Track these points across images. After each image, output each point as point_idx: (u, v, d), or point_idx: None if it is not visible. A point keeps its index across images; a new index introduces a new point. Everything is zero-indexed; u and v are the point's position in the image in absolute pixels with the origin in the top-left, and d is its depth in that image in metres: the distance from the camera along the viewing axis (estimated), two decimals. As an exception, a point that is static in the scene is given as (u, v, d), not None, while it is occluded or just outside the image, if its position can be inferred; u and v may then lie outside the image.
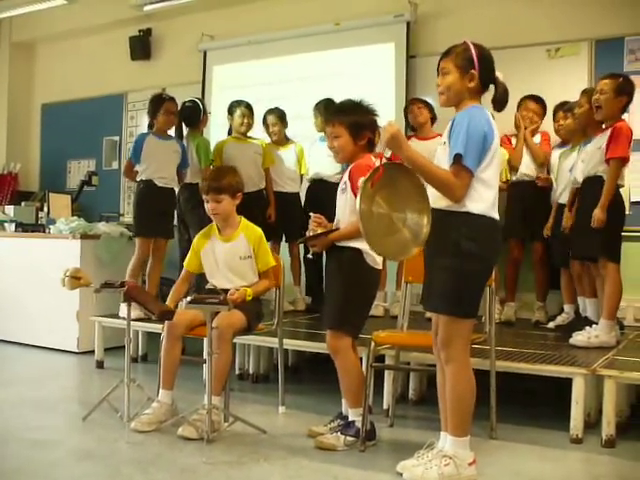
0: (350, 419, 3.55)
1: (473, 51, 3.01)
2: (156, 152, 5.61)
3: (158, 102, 5.70)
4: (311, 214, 3.68)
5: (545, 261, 5.51)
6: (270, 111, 6.18)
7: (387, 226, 2.98)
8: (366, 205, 2.89)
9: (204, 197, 4.03)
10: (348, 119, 3.52)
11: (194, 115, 6.00)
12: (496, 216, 3.01)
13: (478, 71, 2.99)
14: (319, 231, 3.53)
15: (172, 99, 5.76)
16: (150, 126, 5.78)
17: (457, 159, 2.87)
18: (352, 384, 3.53)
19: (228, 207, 4.01)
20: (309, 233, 3.57)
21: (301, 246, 5.65)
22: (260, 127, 6.24)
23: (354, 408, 3.54)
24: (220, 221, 4.06)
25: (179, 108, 5.87)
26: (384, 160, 2.98)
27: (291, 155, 6.20)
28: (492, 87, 3.08)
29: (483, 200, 2.94)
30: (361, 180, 2.97)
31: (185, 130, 6.05)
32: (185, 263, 4.18)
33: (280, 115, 6.15)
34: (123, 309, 4.28)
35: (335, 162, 4.06)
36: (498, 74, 3.06)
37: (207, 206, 4.02)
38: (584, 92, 4.86)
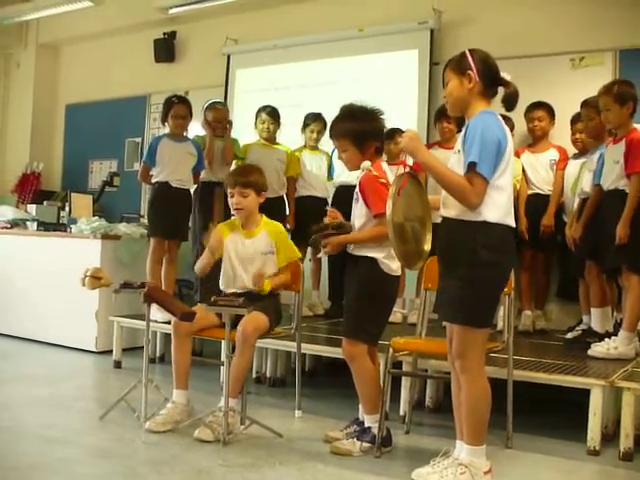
0: (366, 425, 3.54)
1: (468, 54, 3.02)
2: (170, 154, 5.62)
3: (168, 106, 5.70)
4: (327, 209, 3.69)
5: (548, 270, 5.67)
6: (263, 108, 6.19)
7: (401, 235, 3.03)
8: (391, 213, 2.94)
9: (229, 191, 4.03)
10: (351, 132, 3.51)
11: None
12: (512, 223, 3.00)
13: (476, 71, 2.97)
14: (330, 229, 3.54)
15: (183, 102, 5.74)
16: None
17: (471, 167, 2.85)
18: (368, 391, 3.53)
19: (252, 203, 4.01)
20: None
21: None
22: (290, 132, 6.27)
23: (370, 415, 3.53)
24: (243, 217, 4.06)
25: (206, 107, 5.91)
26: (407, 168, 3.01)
27: (321, 162, 6.22)
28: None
29: (498, 207, 2.92)
30: (391, 190, 2.98)
31: None
32: (208, 245, 4.05)
33: (273, 114, 6.15)
34: (154, 311, 4.28)
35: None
36: (504, 75, 3.04)
37: (231, 200, 4.02)
38: (585, 104, 4.85)
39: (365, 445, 3.49)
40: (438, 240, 3.09)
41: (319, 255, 3.74)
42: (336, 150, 3.73)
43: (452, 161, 3.00)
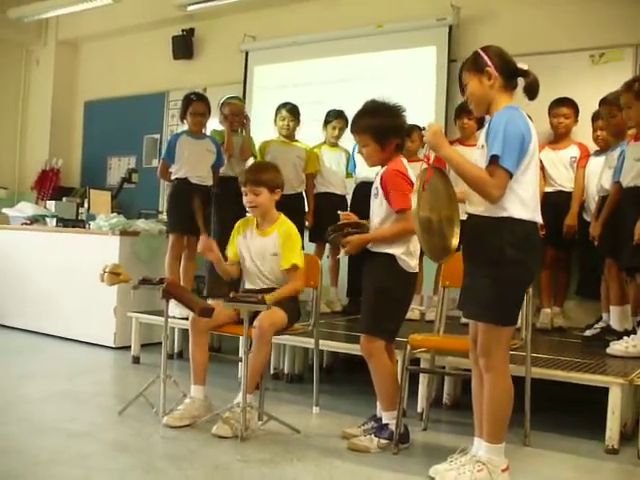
0: (384, 422, 3.55)
1: (482, 52, 3.02)
2: (189, 151, 5.64)
3: (186, 103, 5.72)
4: (339, 212, 3.70)
5: (568, 268, 5.65)
6: (283, 105, 6.19)
7: (428, 229, 3.01)
8: (417, 208, 2.93)
9: (242, 189, 4.04)
10: (372, 127, 3.50)
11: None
12: (539, 219, 2.98)
13: (494, 66, 2.96)
14: (347, 229, 3.54)
15: (201, 99, 5.75)
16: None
17: (494, 160, 2.84)
18: (385, 387, 3.54)
19: (265, 201, 4.00)
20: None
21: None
22: (308, 129, 6.28)
23: (388, 411, 3.54)
24: (258, 215, 4.07)
25: (222, 102, 5.94)
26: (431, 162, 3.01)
27: (341, 159, 6.23)
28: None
29: (524, 204, 2.91)
30: (416, 184, 2.98)
31: None
32: (227, 248, 4.17)
33: (293, 111, 6.15)
34: (172, 307, 4.30)
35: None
36: (521, 65, 3.02)
37: (245, 199, 4.03)
38: (604, 101, 4.82)
39: (382, 442, 3.49)
40: (464, 237, 3.08)
41: (339, 256, 3.74)
42: (357, 146, 3.73)
43: (476, 156, 2.99)
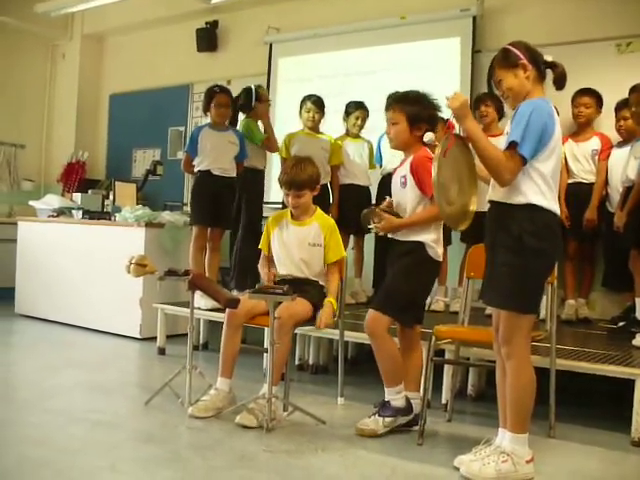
0: (386, 399, 3.60)
1: (512, 47, 3.02)
2: (212, 144, 5.66)
3: (210, 95, 5.73)
4: (387, 197, 3.71)
5: (592, 260, 5.62)
6: (308, 97, 6.18)
7: (446, 196, 3.08)
8: (436, 174, 2.98)
9: (284, 191, 4.07)
10: (409, 108, 3.55)
11: (246, 102, 6.00)
12: (557, 211, 2.99)
13: (527, 59, 2.97)
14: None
15: (224, 91, 5.78)
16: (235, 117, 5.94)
17: (512, 145, 2.87)
18: (387, 364, 3.59)
19: (308, 200, 4.08)
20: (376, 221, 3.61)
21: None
22: (332, 121, 6.27)
23: (389, 387, 3.59)
24: (298, 212, 4.12)
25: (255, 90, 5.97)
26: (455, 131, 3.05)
27: (363, 150, 6.23)
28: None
29: (542, 193, 2.92)
30: (437, 151, 3.02)
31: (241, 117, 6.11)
32: (260, 244, 4.22)
33: (318, 103, 6.14)
34: (197, 298, 4.32)
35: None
36: (547, 57, 3.03)
37: (287, 199, 4.08)
38: (634, 89, 4.77)
39: (387, 420, 3.56)
40: (486, 225, 3.09)
41: (370, 226, 3.72)
42: (383, 137, 3.73)
43: (502, 143, 2.99)
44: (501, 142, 3.00)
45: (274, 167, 7.01)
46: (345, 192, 6.16)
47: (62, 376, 4.67)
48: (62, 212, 7.13)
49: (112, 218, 6.57)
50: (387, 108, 3.71)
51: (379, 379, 3.62)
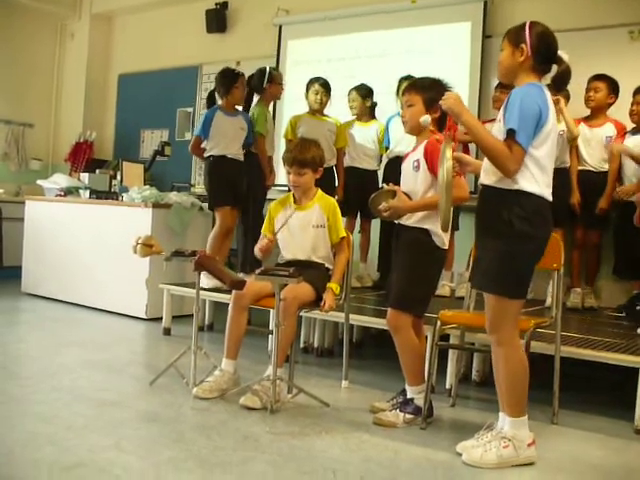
0: (408, 397, 3.57)
1: (527, 27, 2.99)
2: (225, 129, 5.67)
3: (233, 77, 5.73)
4: (391, 184, 3.69)
5: (599, 248, 5.57)
6: (316, 79, 6.13)
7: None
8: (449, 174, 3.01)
9: (287, 169, 4.07)
10: (427, 93, 3.53)
11: (259, 82, 5.98)
12: (548, 197, 2.99)
13: (529, 46, 2.95)
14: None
15: (242, 75, 5.81)
16: (214, 102, 5.90)
17: (510, 134, 2.86)
18: (411, 362, 3.56)
19: (309, 181, 4.06)
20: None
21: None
22: (338, 104, 6.25)
23: (412, 386, 3.56)
24: (299, 193, 4.11)
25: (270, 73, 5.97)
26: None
27: (372, 133, 6.20)
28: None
29: (535, 178, 2.93)
30: (447, 152, 3.01)
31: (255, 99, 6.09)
32: (262, 229, 4.21)
33: (326, 85, 6.10)
34: (202, 277, 4.34)
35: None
36: (562, 54, 3.00)
37: (288, 177, 4.07)
38: None
39: (408, 416, 3.52)
40: (476, 209, 3.10)
41: (380, 207, 3.69)
42: (392, 118, 3.70)
43: (494, 130, 3.00)
44: (494, 130, 3.00)
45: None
46: (351, 175, 6.15)
47: (68, 355, 4.69)
48: (70, 192, 7.14)
49: (119, 198, 6.58)
50: (403, 91, 3.71)
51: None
